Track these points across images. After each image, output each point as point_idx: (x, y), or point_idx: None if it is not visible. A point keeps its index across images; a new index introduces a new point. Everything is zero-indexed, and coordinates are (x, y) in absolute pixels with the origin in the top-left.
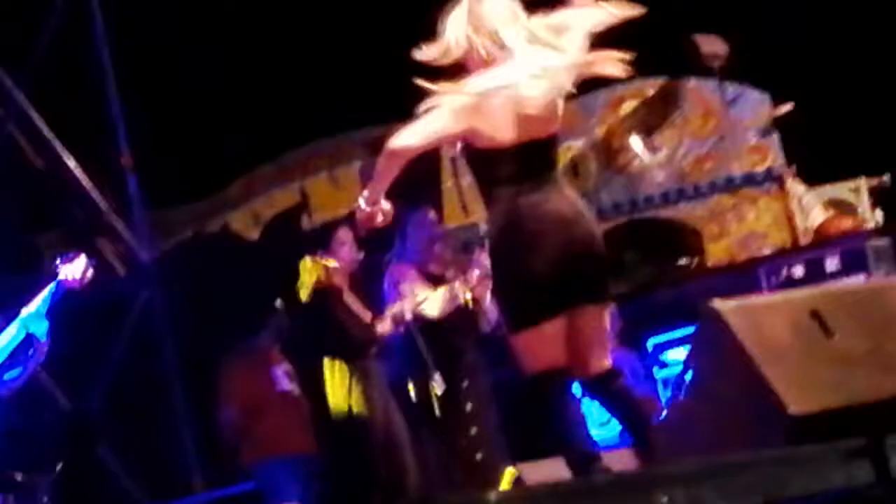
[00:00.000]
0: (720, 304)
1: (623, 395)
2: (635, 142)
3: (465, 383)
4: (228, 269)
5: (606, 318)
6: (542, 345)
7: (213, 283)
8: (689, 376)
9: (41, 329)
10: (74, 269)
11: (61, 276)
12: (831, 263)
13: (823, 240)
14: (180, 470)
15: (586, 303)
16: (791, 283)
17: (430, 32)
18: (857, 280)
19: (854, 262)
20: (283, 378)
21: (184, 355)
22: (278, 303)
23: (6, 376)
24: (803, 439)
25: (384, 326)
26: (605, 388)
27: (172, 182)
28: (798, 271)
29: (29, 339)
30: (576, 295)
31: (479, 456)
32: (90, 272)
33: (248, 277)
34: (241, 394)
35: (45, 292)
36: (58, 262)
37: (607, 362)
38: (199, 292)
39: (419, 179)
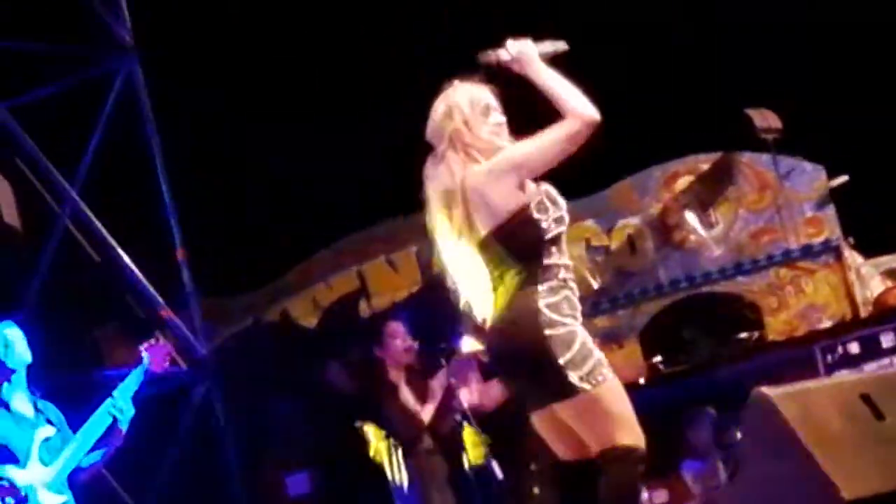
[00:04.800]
0: (770, 391)
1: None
2: (691, 217)
3: (532, 466)
4: (289, 357)
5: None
6: None
7: (272, 371)
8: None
9: (127, 414)
10: (159, 355)
11: (146, 362)
12: (887, 340)
13: (884, 310)
14: None
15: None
16: (847, 359)
17: None
18: None
19: None
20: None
21: (243, 448)
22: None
23: (87, 461)
24: None
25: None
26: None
27: (230, 271)
28: (854, 348)
29: (113, 424)
30: None
31: None
32: (172, 355)
33: (308, 366)
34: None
35: (132, 378)
36: (143, 347)
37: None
38: (259, 381)
39: None
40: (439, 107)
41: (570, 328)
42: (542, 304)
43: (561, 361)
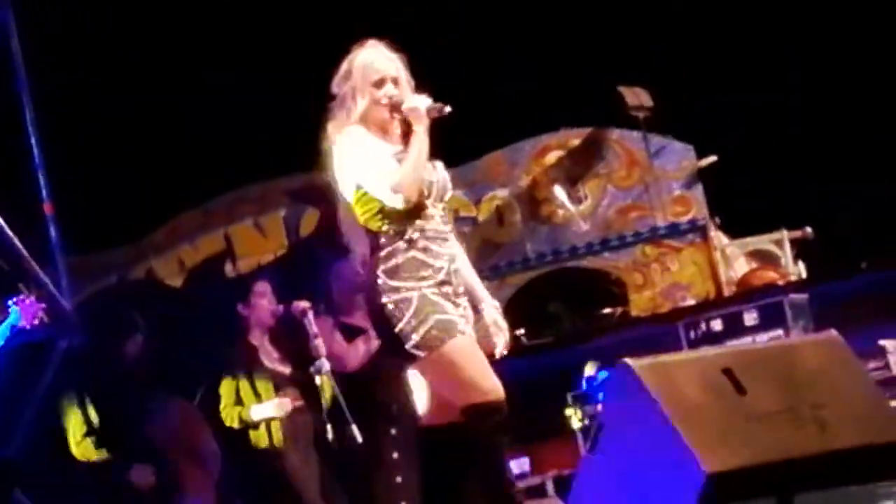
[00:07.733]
0: (633, 361)
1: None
2: (560, 192)
3: (393, 431)
4: (152, 316)
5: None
6: None
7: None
8: (601, 432)
9: None
10: (28, 311)
11: (14, 317)
12: (750, 318)
13: (747, 291)
14: None
15: None
16: (711, 336)
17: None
18: (775, 335)
19: (772, 318)
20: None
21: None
22: None
23: None
24: (716, 497)
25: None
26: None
27: (97, 228)
28: (717, 325)
29: None
30: None
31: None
32: (41, 314)
33: (173, 324)
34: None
35: None
36: (12, 301)
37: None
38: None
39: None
40: (343, 65)
41: (406, 294)
42: (379, 271)
43: (396, 330)
